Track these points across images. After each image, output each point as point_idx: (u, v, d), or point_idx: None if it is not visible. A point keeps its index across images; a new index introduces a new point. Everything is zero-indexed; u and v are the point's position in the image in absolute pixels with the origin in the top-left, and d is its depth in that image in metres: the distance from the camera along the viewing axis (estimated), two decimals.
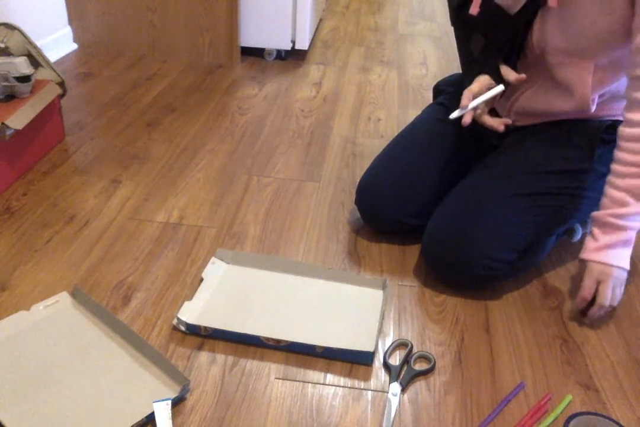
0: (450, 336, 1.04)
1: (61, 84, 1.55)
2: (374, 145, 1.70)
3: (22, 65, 1.35)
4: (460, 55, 1.23)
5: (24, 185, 1.39)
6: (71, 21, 2.23)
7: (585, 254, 1.04)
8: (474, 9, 1.08)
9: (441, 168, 1.23)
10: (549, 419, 0.89)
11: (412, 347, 1.00)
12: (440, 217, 1.14)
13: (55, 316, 1.01)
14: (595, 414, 0.90)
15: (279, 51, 2.33)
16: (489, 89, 1.10)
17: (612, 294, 1.03)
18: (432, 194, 1.21)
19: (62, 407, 0.85)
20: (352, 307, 1.08)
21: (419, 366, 0.97)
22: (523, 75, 1.09)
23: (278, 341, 0.97)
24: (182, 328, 1.00)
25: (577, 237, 1.28)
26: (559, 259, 1.26)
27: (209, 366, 0.95)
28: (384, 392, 0.92)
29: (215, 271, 1.13)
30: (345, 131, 1.78)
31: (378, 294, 1.11)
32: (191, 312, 1.02)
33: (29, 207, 1.31)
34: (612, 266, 1.01)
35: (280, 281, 1.14)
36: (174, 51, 2.26)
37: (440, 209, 1.16)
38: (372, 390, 0.93)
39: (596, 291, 1.03)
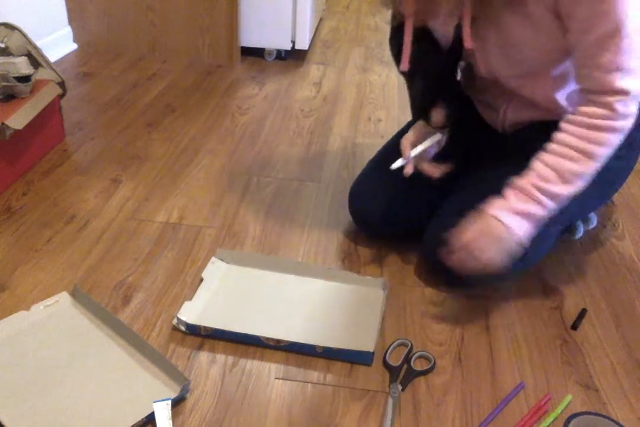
0: (450, 336, 1.04)
1: (61, 84, 1.54)
2: (374, 145, 1.70)
3: (22, 65, 1.35)
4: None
5: (24, 185, 1.39)
6: (71, 21, 2.23)
7: (487, 208, 0.98)
8: (404, 66, 1.05)
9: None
10: (549, 419, 0.89)
11: (412, 347, 1.00)
12: (441, 217, 1.14)
13: (55, 316, 1.00)
14: (595, 414, 0.90)
15: (279, 51, 2.33)
16: (427, 134, 1.14)
17: (486, 250, 0.96)
18: (419, 199, 1.21)
19: (62, 407, 0.85)
20: (352, 307, 1.08)
21: (419, 366, 0.97)
22: (439, 135, 1.14)
23: (278, 341, 0.97)
24: (182, 328, 1.00)
25: (579, 235, 1.28)
26: (559, 259, 1.26)
27: (209, 366, 0.95)
28: (384, 392, 0.92)
29: (215, 271, 1.13)
30: (345, 131, 1.78)
31: (378, 294, 1.11)
32: (191, 312, 1.02)
33: (29, 207, 1.31)
34: (504, 225, 0.95)
35: (281, 281, 1.13)
36: (174, 51, 2.26)
37: (441, 209, 1.16)
38: (372, 390, 0.93)
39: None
